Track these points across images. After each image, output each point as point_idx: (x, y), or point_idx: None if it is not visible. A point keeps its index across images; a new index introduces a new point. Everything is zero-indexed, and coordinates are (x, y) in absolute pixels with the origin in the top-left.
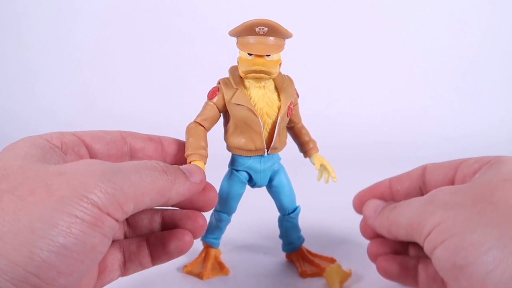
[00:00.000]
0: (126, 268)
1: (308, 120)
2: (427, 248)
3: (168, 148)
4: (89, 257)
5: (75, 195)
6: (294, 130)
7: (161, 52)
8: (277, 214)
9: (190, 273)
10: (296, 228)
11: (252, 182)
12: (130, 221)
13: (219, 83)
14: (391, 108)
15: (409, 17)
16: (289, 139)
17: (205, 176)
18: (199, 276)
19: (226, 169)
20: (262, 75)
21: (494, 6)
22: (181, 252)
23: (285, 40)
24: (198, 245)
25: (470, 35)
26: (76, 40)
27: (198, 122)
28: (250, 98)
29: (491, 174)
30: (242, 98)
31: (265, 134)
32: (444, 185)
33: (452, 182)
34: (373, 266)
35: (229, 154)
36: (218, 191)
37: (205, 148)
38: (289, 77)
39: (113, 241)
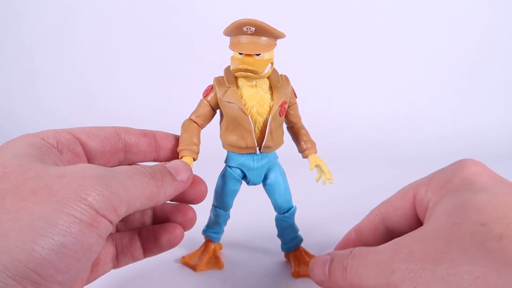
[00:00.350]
0: (118, 261)
1: (307, 120)
2: None
3: (162, 143)
4: (85, 256)
5: (74, 197)
6: (294, 130)
7: (161, 52)
8: None
9: (186, 264)
10: (291, 228)
11: (246, 179)
12: None
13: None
14: (391, 108)
15: (409, 17)
16: (288, 138)
17: (191, 173)
18: (194, 267)
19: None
20: (249, 74)
21: (494, 6)
22: (172, 245)
23: (277, 39)
24: (200, 238)
25: (470, 35)
26: (76, 40)
27: (192, 119)
28: (242, 96)
29: (439, 221)
30: (232, 96)
31: (256, 133)
32: (411, 226)
33: (417, 220)
34: None
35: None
36: (215, 187)
37: (197, 144)
38: (285, 77)
39: None
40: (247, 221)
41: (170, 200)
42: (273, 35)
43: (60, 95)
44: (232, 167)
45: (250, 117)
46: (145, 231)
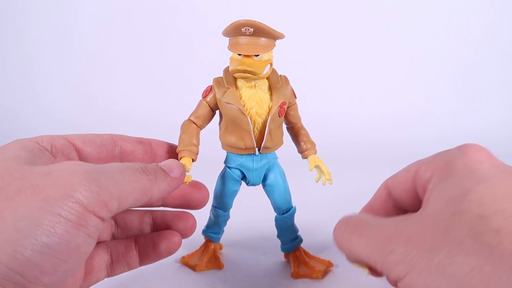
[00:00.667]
0: (113, 269)
1: (307, 120)
2: None
3: (157, 151)
4: (73, 256)
5: (61, 195)
6: (293, 130)
7: (161, 52)
8: None
9: (186, 264)
10: (291, 228)
11: (246, 180)
12: (119, 222)
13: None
14: (391, 108)
15: (408, 17)
16: (287, 138)
17: (184, 170)
18: (193, 267)
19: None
20: (247, 75)
21: (494, 6)
22: (170, 252)
23: (276, 40)
24: (200, 238)
25: (470, 35)
26: (76, 39)
27: (191, 120)
28: (241, 97)
29: (439, 205)
30: (231, 97)
31: (256, 134)
32: (414, 202)
33: (417, 198)
34: None
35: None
36: (214, 188)
37: (196, 145)
38: (285, 78)
39: (100, 242)
40: (247, 221)
41: (173, 207)
42: (272, 35)
43: (60, 95)
44: (232, 167)
45: (249, 118)
46: (143, 238)
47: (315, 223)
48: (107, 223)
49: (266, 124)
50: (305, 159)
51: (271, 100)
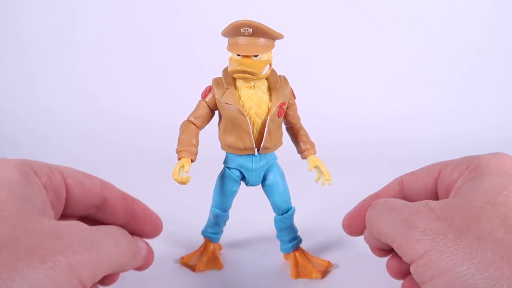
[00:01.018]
0: None
1: (307, 120)
2: (414, 276)
3: (138, 212)
4: None
5: (67, 269)
6: (293, 131)
7: (161, 52)
8: None
9: (185, 264)
10: (290, 228)
11: (245, 181)
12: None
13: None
14: (391, 108)
15: (408, 17)
16: (287, 139)
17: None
18: (193, 268)
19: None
20: (247, 75)
21: (494, 6)
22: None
23: (275, 40)
24: (199, 238)
25: (470, 35)
26: (76, 39)
27: (190, 120)
28: (240, 98)
29: (473, 194)
30: (231, 98)
31: (255, 134)
32: (423, 199)
33: (435, 196)
34: (372, 267)
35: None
36: (214, 188)
37: (195, 145)
38: (284, 78)
39: None
40: (246, 221)
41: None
42: (271, 36)
43: (60, 95)
44: (231, 168)
45: (248, 118)
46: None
47: (315, 223)
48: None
49: (265, 124)
50: (305, 160)
51: (270, 100)
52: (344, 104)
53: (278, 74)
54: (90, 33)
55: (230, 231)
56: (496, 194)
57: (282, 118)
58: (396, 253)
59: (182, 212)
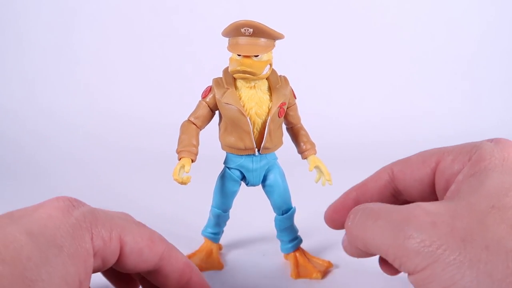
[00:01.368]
0: None
1: (307, 120)
2: (415, 286)
3: (192, 286)
4: None
5: None
6: (293, 131)
7: (160, 52)
8: None
9: None
10: (291, 228)
11: (246, 181)
12: None
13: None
14: (391, 108)
15: (408, 17)
16: (287, 139)
17: None
18: None
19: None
20: (247, 75)
21: (494, 6)
22: None
23: (275, 40)
24: (200, 238)
25: (469, 35)
26: (76, 40)
27: (190, 121)
28: (240, 98)
29: (475, 196)
30: (231, 98)
31: (255, 134)
32: (423, 193)
33: (432, 189)
34: (372, 267)
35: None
36: (214, 188)
37: (195, 145)
38: (285, 78)
39: None
40: (247, 222)
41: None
42: (271, 36)
43: (60, 95)
44: (231, 168)
45: (249, 118)
46: None
47: (315, 223)
48: None
49: (266, 124)
50: (305, 160)
51: (271, 100)
52: (344, 104)
53: (279, 74)
54: (90, 33)
55: (230, 231)
56: (502, 196)
57: (282, 118)
58: None
59: (182, 212)
